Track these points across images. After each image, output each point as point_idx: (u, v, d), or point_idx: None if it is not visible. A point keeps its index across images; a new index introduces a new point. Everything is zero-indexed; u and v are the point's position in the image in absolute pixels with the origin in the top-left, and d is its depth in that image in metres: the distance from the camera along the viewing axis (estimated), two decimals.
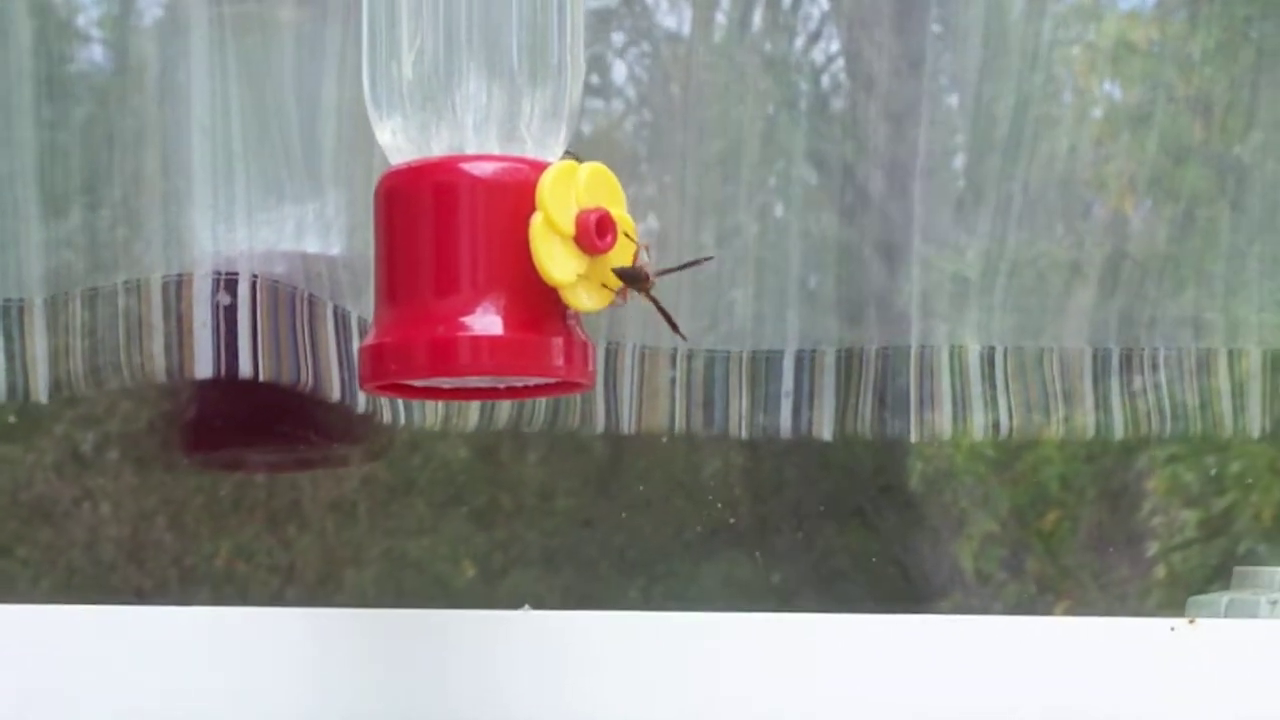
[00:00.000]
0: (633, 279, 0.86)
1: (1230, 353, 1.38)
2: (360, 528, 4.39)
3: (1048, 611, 3.60)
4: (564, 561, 4.23)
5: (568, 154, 0.89)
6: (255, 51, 1.15)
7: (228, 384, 1.14)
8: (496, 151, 0.87)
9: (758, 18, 1.45)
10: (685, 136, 1.38)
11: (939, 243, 1.38)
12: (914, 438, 1.30)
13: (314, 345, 1.17)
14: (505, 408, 1.26)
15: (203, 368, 1.14)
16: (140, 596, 4.48)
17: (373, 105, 0.87)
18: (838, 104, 1.46)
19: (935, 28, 1.43)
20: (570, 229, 0.85)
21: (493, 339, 0.85)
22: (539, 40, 0.87)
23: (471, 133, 0.86)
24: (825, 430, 1.33)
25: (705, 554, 4.17)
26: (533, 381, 0.88)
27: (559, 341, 0.86)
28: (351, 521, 4.38)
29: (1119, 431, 1.36)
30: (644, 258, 0.87)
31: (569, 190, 0.86)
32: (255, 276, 1.15)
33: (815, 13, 1.66)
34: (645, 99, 1.51)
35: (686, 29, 1.52)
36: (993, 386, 1.33)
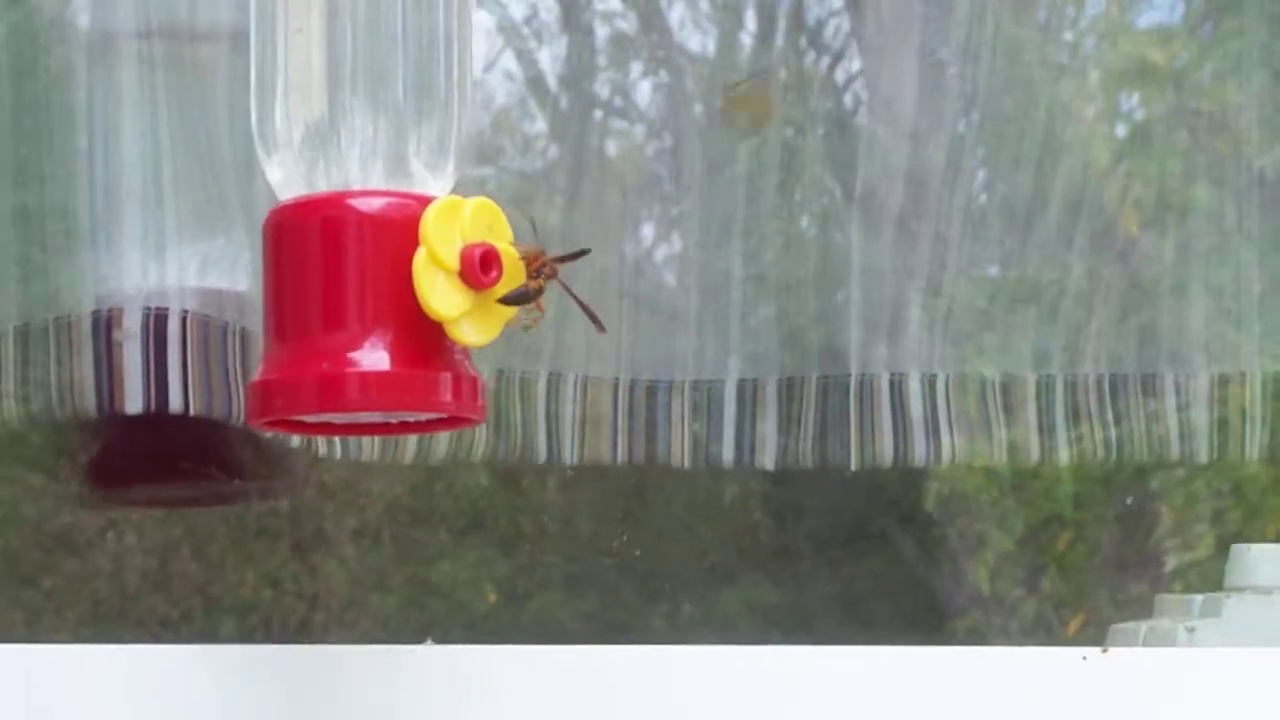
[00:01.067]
0: (520, 299, 0.86)
1: (1177, 375, 1.37)
2: (384, 554, 4.40)
3: (1062, 629, 3.59)
4: (586, 586, 4.23)
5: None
6: (186, 88, 1.15)
7: (130, 420, 1.14)
8: (383, 186, 0.87)
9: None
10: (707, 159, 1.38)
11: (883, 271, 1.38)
12: (854, 465, 1.30)
13: (246, 379, 1.17)
14: (443, 440, 1.26)
15: (133, 402, 1.14)
16: (165, 626, 4.49)
17: (260, 142, 0.87)
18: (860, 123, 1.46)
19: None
20: (454, 264, 0.85)
21: (380, 375, 0.85)
22: (425, 74, 0.87)
23: (357, 168, 0.86)
24: (768, 460, 1.33)
25: (727, 579, 4.16)
26: (424, 416, 0.88)
27: (447, 376, 0.86)
28: (376, 548, 4.39)
29: (1063, 458, 1.36)
30: (543, 271, 0.87)
31: (453, 225, 0.85)
32: (186, 311, 1.15)
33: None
34: (667, 122, 1.52)
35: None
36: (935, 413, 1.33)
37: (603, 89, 1.56)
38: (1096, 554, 3.60)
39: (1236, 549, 1.08)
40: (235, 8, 1.13)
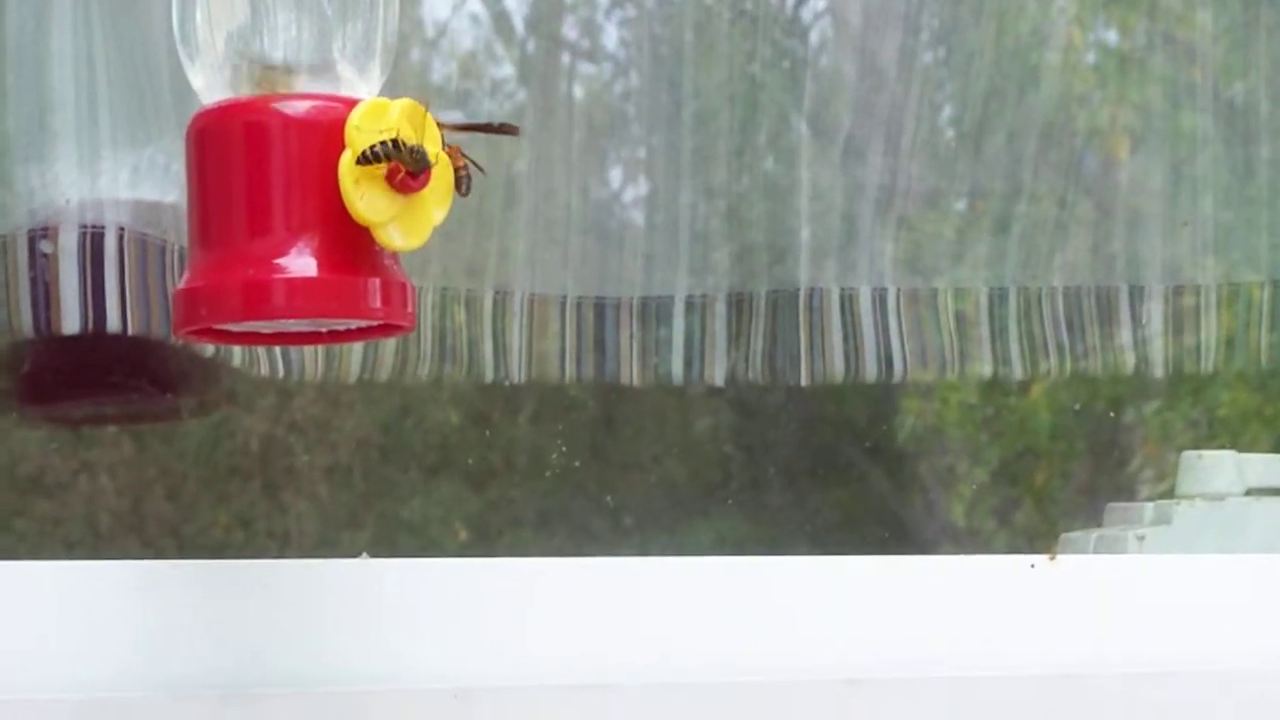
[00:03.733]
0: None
1: (1132, 289, 1.36)
2: (355, 493, 4.39)
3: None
4: (557, 522, 4.22)
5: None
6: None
7: (60, 338, 1.12)
8: (308, 90, 0.85)
9: None
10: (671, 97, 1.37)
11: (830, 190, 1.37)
12: (804, 382, 1.29)
13: None
14: (388, 355, 1.24)
15: (69, 321, 1.13)
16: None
17: (182, 47, 0.85)
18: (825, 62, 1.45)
19: None
20: (381, 167, 0.83)
21: (306, 281, 0.83)
22: None
23: (281, 71, 0.84)
24: (718, 376, 1.31)
25: (698, 511, 4.15)
26: (353, 324, 0.87)
27: (375, 282, 0.84)
28: (347, 486, 4.38)
29: (1017, 373, 1.35)
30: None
31: (380, 127, 0.84)
32: (122, 229, 1.14)
33: None
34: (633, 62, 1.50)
35: None
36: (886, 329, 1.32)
37: (570, 31, 1.55)
38: (1072, 486, 3.59)
39: (1186, 456, 1.07)
40: None
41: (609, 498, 4.10)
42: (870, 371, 1.31)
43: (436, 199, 0.85)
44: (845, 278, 1.35)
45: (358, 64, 0.86)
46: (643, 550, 4.11)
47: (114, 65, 1.14)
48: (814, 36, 1.51)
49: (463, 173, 0.85)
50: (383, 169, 0.83)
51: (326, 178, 0.83)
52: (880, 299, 1.33)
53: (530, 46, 1.49)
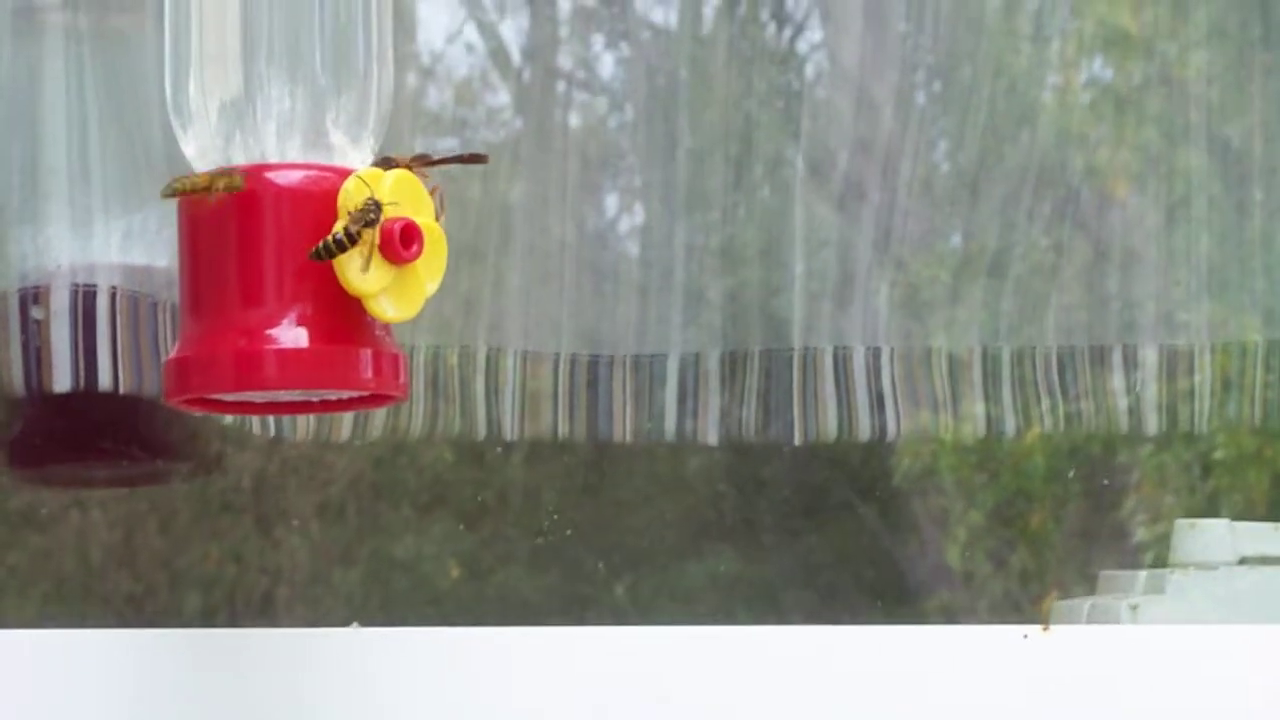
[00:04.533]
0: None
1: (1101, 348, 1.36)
2: (348, 529, 4.38)
3: (1034, 607, 3.57)
4: (550, 560, 4.22)
5: (389, 160, 0.86)
6: (112, 59, 1.13)
7: (51, 399, 1.12)
8: (302, 159, 0.85)
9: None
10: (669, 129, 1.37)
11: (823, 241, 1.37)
12: (797, 440, 1.29)
13: None
14: (379, 418, 1.24)
15: (61, 381, 1.12)
16: (130, 602, 4.47)
17: (174, 115, 0.85)
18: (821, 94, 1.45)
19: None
20: (374, 237, 0.83)
21: (298, 352, 0.83)
22: (343, 43, 0.85)
23: (274, 141, 0.84)
24: (711, 434, 1.31)
25: (690, 551, 4.15)
26: (345, 394, 0.86)
27: (367, 353, 0.84)
28: (339, 523, 4.37)
29: (1010, 429, 1.34)
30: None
31: (368, 198, 0.83)
32: (114, 288, 1.13)
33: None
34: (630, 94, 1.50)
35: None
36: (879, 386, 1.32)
37: (565, 61, 1.55)
38: (1067, 530, 3.58)
39: (1180, 525, 1.07)
40: None
41: (602, 538, 4.09)
42: (864, 430, 1.31)
43: (429, 270, 0.85)
44: (838, 322, 1.35)
45: (351, 133, 0.86)
46: (634, 590, 4.10)
47: (107, 129, 1.14)
48: (809, 71, 1.51)
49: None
50: (374, 237, 0.83)
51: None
52: (874, 357, 1.32)
53: (526, 76, 1.49)
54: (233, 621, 4.72)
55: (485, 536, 4.45)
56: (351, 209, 0.82)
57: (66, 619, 4.75)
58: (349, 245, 0.81)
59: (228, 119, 0.85)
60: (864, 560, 4.05)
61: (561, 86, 1.49)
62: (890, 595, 3.99)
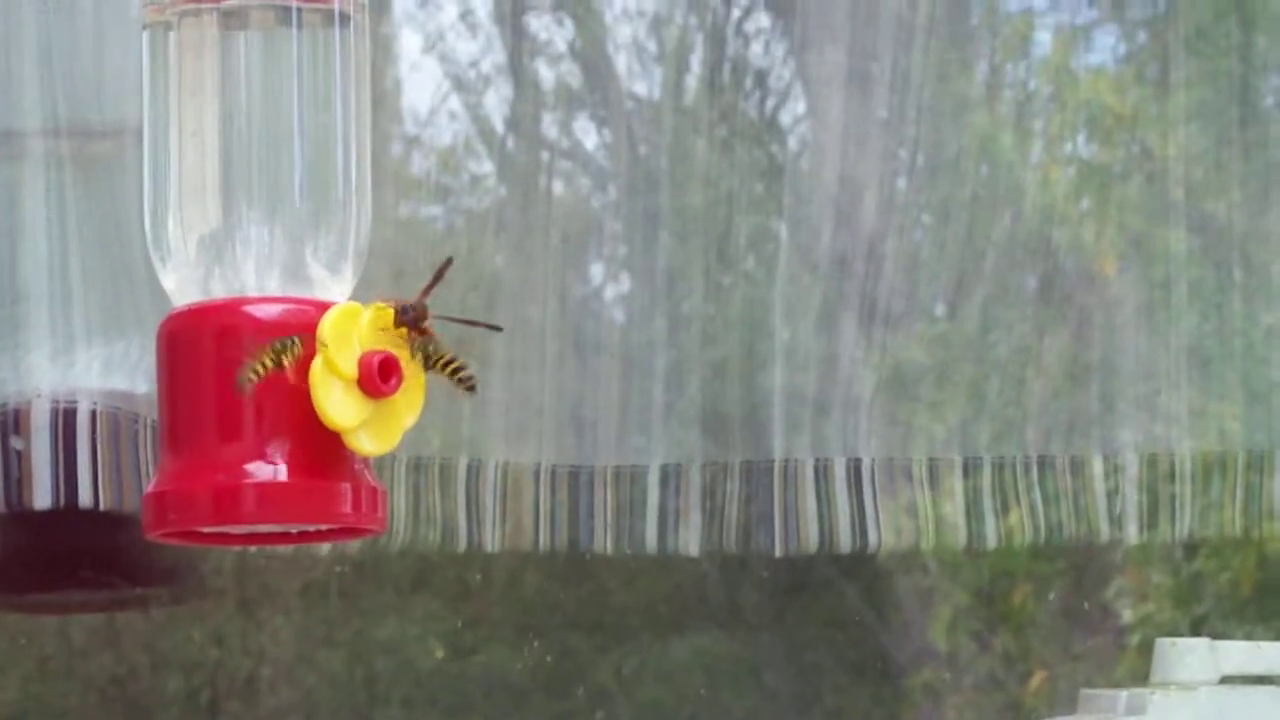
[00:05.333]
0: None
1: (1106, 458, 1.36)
2: (331, 611, 4.36)
3: (1021, 686, 3.56)
4: (534, 638, 4.20)
5: (398, 307, 0.86)
6: (94, 185, 1.13)
7: (31, 523, 1.12)
8: (281, 292, 0.85)
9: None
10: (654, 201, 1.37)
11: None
12: (779, 552, 1.29)
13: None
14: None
15: (41, 498, 1.12)
16: (113, 683, 4.45)
17: (154, 249, 0.86)
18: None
19: None
20: (352, 372, 0.83)
21: (277, 486, 0.83)
22: (322, 177, 0.85)
23: (253, 276, 0.85)
24: (693, 546, 1.31)
25: (675, 628, 4.13)
26: (324, 526, 0.87)
27: (346, 487, 0.84)
28: (323, 604, 4.35)
29: (990, 541, 1.35)
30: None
31: (351, 332, 0.84)
32: (94, 405, 1.13)
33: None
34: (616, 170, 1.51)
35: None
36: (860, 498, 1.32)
37: (550, 131, 1.56)
38: (1054, 609, 3.57)
39: (1160, 644, 1.07)
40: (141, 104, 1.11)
41: (586, 614, 4.08)
42: (844, 541, 1.31)
43: (407, 403, 0.85)
44: (820, 427, 1.35)
45: (331, 266, 0.86)
46: (620, 668, 4.08)
47: (88, 258, 1.15)
48: (792, 143, 1.52)
49: (463, 374, 0.85)
50: (353, 373, 0.83)
51: (297, 382, 0.83)
52: (855, 469, 1.33)
53: (510, 145, 1.50)
54: (215, 703, 4.71)
55: (468, 618, 4.44)
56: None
57: (49, 699, 4.74)
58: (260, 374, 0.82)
59: (207, 253, 0.85)
60: (847, 640, 4.05)
61: (545, 155, 1.50)
62: (873, 673, 3.99)
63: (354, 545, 3.77)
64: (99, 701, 4.51)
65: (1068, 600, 3.60)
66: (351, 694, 4.34)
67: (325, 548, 3.87)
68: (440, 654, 4.31)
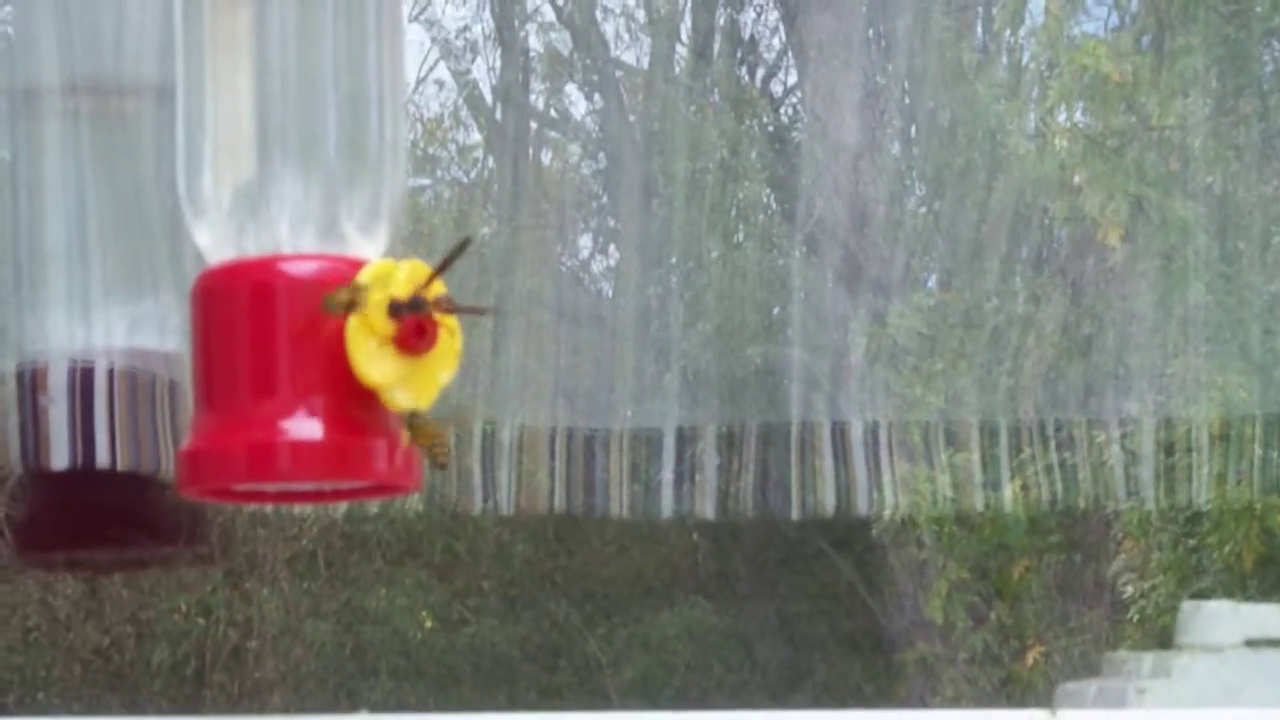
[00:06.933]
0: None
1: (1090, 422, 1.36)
2: (319, 581, 4.36)
3: (1018, 661, 3.57)
4: (523, 610, 4.20)
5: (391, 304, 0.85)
6: (113, 142, 1.13)
7: (55, 485, 1.12)
8: (315, 249, 0.84)
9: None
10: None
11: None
12: (795, 516, 1.28)
13: (175, 432, 1.15)
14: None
15: (59, 458, 1.12)
16: (97, 654, 4.44)
17: (187, 205, 0.85)
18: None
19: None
20: (388, 329, 0.83)
21: (312, 444, 0.82)
22: (357, 135, 0.85)
23: (287, 233, 0.84)
24: (708, 509, 1.31)
25: (665, 601, 4.14)
26: (358, 484, 0.86)
27: (381, 445, 0.84)
28: (311, 575, 4.36)
29: (1008, 503, 1.34)
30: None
31: (387, 290, 0.83)
32: (112, 366, 1.13)
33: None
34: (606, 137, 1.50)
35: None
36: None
37: (538, 101, 1.55)
38: (1050, 583, 3.57)
39: (1187, 606, 1.07)
40: (161, 61, 1.11)
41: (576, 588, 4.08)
42: (862, 505, 1.31)
43: (442, 360, 0.85)
44: (810, 397, 1.35)
45: (364, 224, 0.85)
46: (609, 640, 4.08)
47: (106, 216, 1.14)
48: (784, 112, 1.52)
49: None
50: (389, 330, 0.83)
51: (332, 339, 0.83)
52: (873, 432, 1.32)
53: (499, 115, 1.49)
54: (202, 674, 4.69)
55: (458, 588, 4.43)
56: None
57: (33, 670, 4.72)
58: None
59: (241, 209, 0.84)
60: (841, 612, 4.04)
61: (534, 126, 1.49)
62: (866, 646, 3.98)
63: (341, 514, 3.75)
64: (83, 673, 4.51)
65: (1065, 574, 3.60)
66: (339, 665, 4.33)
67: (313, 514, 3.86)
68: (429, 624, 4.31)
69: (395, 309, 0.83)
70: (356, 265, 0.84)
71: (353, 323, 0.82)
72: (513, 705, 4.15)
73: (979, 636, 3.52)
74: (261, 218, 0.84)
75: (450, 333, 0.85)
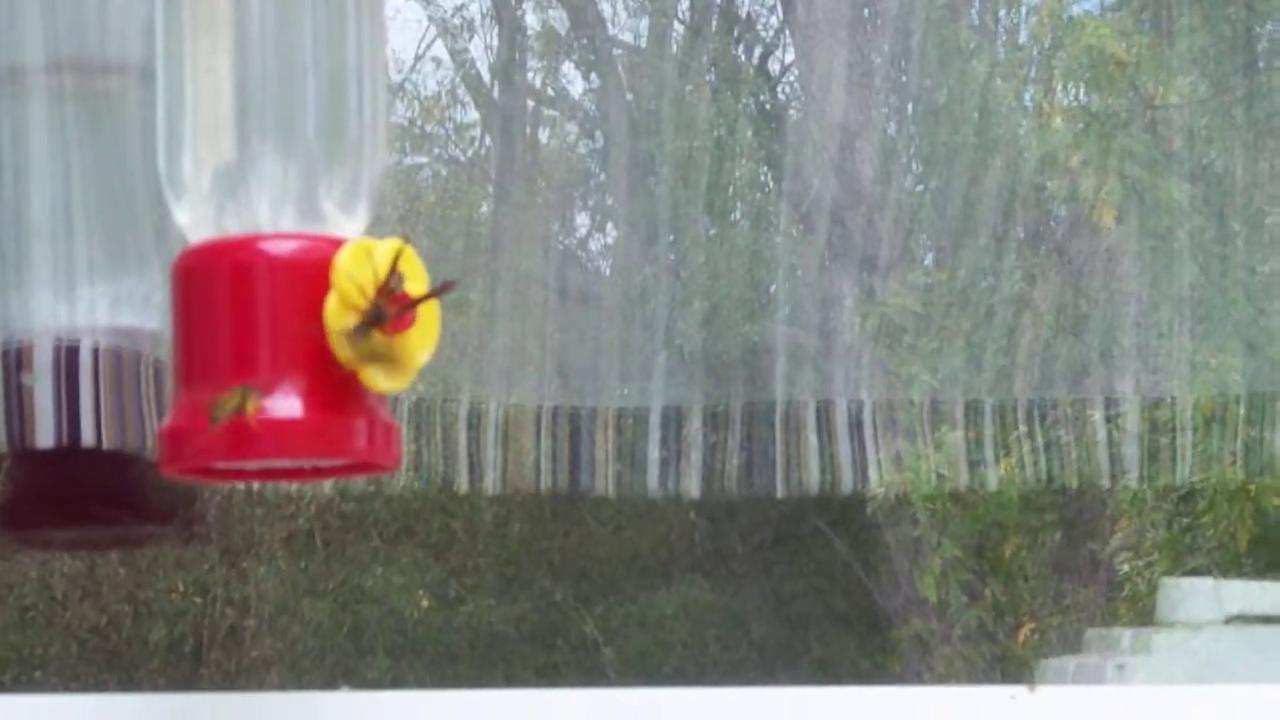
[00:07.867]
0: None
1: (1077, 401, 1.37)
2: (316, 560, 4.37)
3: (1010, 637, 3.58)
4: (519, 589, 4.21)
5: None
6: (97, 121, 1.13)
7: (40, 463, 1.12)
8: (295, 229, 0.85)
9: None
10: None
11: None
12: (780, 494, 1.29)
13: (160, 410, 1.15)
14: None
15: (44, 436, 1.12)
16: (94, 632, 4.45)
17: (168, 185, 0.85)
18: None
19: None
20: (367, 308, 0.83)
21: (292, 422, 0.83)
22: (336, 115, 0.85)
23: (268, 211, 0.84)
24: (694, 488, 1.31)
25: (661, 580, 4.15)
26: (339, 461, 0.86)
27: (361, 423, 0.84)
28: (308, 554, 4.36)
29: (992, 482, 1.35)
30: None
31: (366, 269, 0.83)
32: (97, 343, 1.13)
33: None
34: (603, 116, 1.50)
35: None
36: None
37: (535, 80, 1.55)
38: (1044, 560, 3.58)
39: (1166, 583, 1.07)
40: (146, 39, 1.11)
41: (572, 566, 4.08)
42: (846, 482, 1.31)
43: (421, 340, 0.85)
44: (804, 377, 1.35)
45: (344, 203, 0.86)
46: (606, 618, 4.09)
47: (90, 195, 1.14)
48: (781, 91, 1.52)
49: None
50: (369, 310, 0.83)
51: (312, 318, 0.83)
52: (856, 410, 1.33)
53: (496, 93, 1.50)
54: (198, 653, 4.70)
55: (454, 567, 4.44)
56: (375, 283, 0.82)
57: (29, 649, 4.73)
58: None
59: (221, 189, 0.85)
60: (836, 590, 4.04)
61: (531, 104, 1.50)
62: (863, 624, 3.99)
63: (336, 491, 3.76)
64: (80, 651, 4.51)
65: (1058, 552, 3.61)
66: (336, 644, 4.34)
67: (310, 493, 3.86)
68: (426, 603, 4.32)
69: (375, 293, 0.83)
70: (336, 244, 0.84)
71: (332, 301, 0.83)
72: (509, 683, 4.17)
73: (973, 614, 3.53)
74: (241, 197, 0.85)
75: (430, 312, 0.85)
